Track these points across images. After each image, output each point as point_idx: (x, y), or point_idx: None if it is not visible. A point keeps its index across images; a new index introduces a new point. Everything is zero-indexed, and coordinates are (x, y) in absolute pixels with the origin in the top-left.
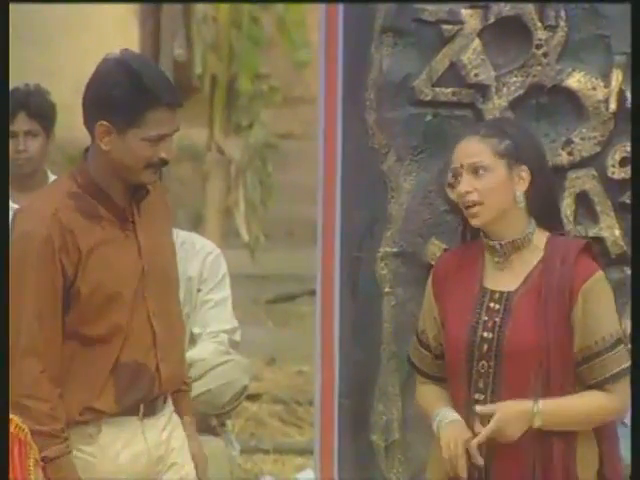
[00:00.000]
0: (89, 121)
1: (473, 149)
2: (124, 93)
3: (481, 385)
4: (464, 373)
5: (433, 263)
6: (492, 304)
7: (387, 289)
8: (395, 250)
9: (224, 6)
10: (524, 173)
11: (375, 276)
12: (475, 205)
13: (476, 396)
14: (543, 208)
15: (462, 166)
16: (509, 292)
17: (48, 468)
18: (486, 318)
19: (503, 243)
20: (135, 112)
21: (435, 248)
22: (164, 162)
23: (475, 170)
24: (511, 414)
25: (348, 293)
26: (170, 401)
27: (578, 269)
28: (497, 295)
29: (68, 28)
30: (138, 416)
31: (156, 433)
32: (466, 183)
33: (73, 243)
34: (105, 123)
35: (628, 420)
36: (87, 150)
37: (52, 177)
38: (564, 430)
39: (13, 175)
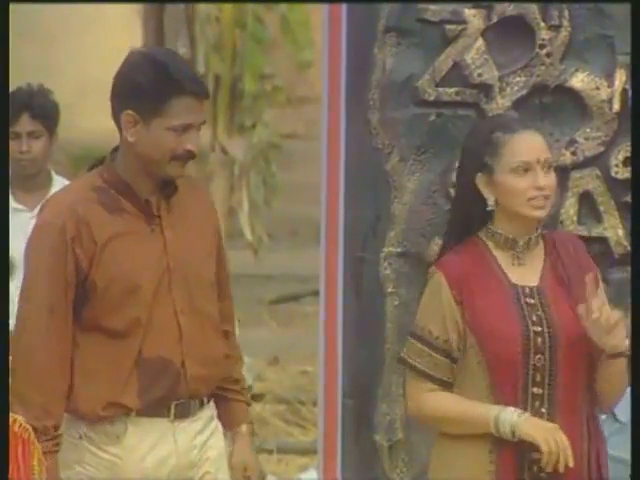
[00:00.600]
0: (116, 112)
1: (542, 144)
2: (149, 81)
3: (538, 379)
4: (520, 369)
5: None
6: (528, 299)
7: (390, 289)
8: (399, 250)
9: (227, 6)
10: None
11: (378, 276)
12: (545, 199)
13: (534, 390)
14: None
15: (538, 161)
16: (537, 287)
17: None
18: (527, 313)
19: (532, 237)
20: (159, 100)
21: (438, 248)
22: (190, 154)
23: (548, 166)
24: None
25: (351, 293)
26: (209, 406)
27: (589, 259)
28: (527, 290)
29: (70, 28)
30: (169, 417)
31: (188, 437)
32: (543, 177)
33: (88, 234)
34: (131, 112)
35: (622, 416)
36: (114, 150)
37: (56, 177)
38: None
39: (17, 176)
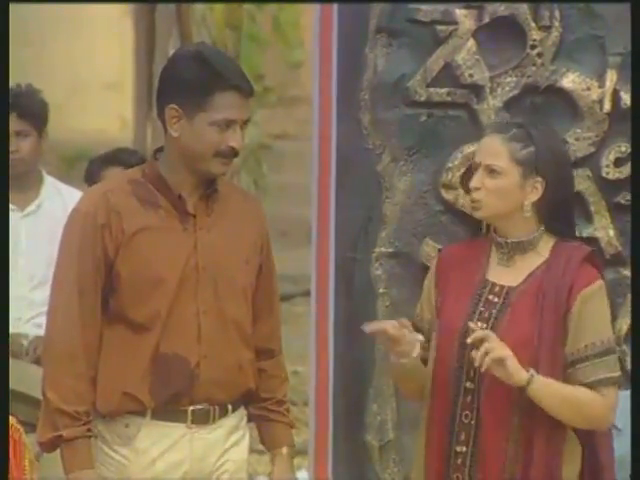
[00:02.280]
0: (161, 108)
1: (494, 149)
2: (193, 75)
3: (472, 374)
4: (454, 359)
5: (428, 263)
6: (491, 296)
7: (382, 289)
8: (390, 250)
9: (218, 6)
10: (538, 184)
11: (370, 276)
12: (479, 201)
13: (467, 384)
14: (555, 216)
15: (480, 163)
16: (510, 287)
17: (64, 449)
18: (482, 309)
19: (508, 241)
20: (203, 94)
21: (429, 248)
22: (233, 152)
23: (490, 171)
24: (514, 362)
25: (343, 293)
26: (235, 415)
27: (580, 274)
28: (497, 288)
29: (62, 29)
30: (186, 423)
31: (206, 444)
32: (477, 180)
33: (117, 223)
34: (174, 106)
35: (618, 423)
36: (159, 149)
37: (47, 177)
38: (546, 430)
39: None
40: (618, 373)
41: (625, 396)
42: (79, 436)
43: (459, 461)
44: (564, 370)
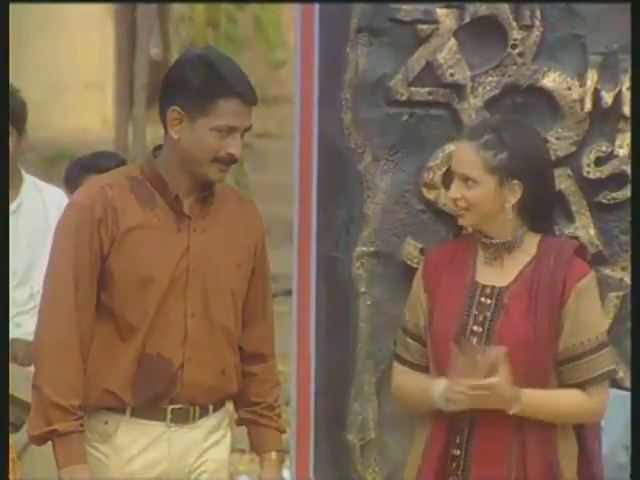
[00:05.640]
0: (163, 108)
1: (467, 159)
2: (198, 78)
3: None
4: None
5: (409, 262)
6: (483, 299)
7: (363, 289)
8: (371, 250)
9: (199, 6)
10: (516, 187)
11: (351, 276)
12: (462, 209)
13: None
14: (536, 215)
15: (455, 172)
16: (500, 287)
17: (57, 443)
18: (476, 312)
19: (494, 242)
20: (206, 98)
21: (411, 247)
22: (232, 159)
23: (465, 180)
24: (501, 390)
25: (324, 293)
26: (215, 415)
27: (572, 267)
28: (488, 290)
29: (42, 27)
30: (165, 422)
31: (185, 443)
32: (455, 190)
33: (113, 219)
34: (177, 109)
35: (602, 423)
36: (158, 147)
37: (27, 176)
38: (539, 424)
39: None
40: (613, 366)
41: (610, 395)
42: (73, 430)
43: (454, 465)
44: (556, 367)
